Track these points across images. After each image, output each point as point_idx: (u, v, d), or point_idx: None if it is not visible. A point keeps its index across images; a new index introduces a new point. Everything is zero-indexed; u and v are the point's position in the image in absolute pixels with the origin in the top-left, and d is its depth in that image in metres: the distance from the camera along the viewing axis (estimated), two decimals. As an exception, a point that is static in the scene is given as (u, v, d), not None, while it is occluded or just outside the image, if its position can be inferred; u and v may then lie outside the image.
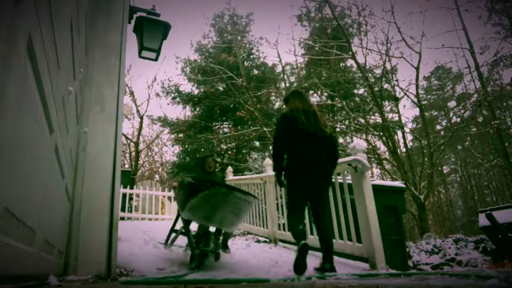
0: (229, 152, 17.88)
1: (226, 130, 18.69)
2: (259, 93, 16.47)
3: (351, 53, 14.09)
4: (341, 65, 18.19)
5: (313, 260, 3.67)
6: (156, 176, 23.00)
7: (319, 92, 19.31)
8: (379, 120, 14.51)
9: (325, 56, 15.84)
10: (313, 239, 3.96)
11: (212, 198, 2.92)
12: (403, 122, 16.49)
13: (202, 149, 17.70)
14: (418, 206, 12.41)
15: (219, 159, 17.07)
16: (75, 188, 2.42)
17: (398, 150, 14.75)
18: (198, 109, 19.12)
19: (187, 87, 21.04)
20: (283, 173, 3.00)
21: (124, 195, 8.38)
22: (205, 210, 2.99)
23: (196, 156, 3.57)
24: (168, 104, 23.06)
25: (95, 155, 2.52)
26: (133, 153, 18.95)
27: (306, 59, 19.00)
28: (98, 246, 2.35)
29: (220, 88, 18.40)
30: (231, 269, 3.04)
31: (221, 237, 3.55)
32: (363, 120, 15.12)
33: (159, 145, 21.97)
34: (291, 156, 2.94)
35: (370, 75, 14.74)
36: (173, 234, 3.74)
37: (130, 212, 8.87)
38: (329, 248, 2.90)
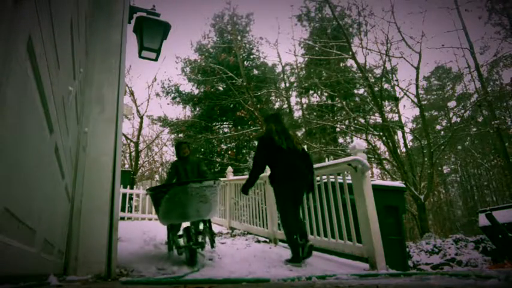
0: (229, 152, 17.87)
1: (226, 130, 18.68)
2: (259, 93, 16.47)
3: (351, 53, 14.09)
4: (341, 65, 18.18)
5: (312, 259, 3.67)
6: (156, 176, 22.98)
7: (319, 92, 19.31)
8: (379, 120, 14.51)
9: (325, 56, 15.83)
10: (312, 239, 3.96)
11: (175, 197, 3.10)
12: (403, 122, 16.51)
13: (202, 149, 17.70)
14: (418, 206, 12.41)
15: (219, 159, 17.07)
16: (75, 188, 2.42)
17: (398, 150, 14.75)
18: (198, 109, 19.12)
19: (187, 87, 21.05)
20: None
21: (124, 195, 8.38)
22: (176, 210, 3.17)
23: (175, 144, 3.79)
24: (168, 104, 23.10)
25: (95, 155, 2.52)
26: (133, 153, 18.92)
27: (306, 59, 18.99)
28: (98, 246, 2.35)
29: (220, 88, 18.40)
30: (231, 269, 3.04)
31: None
32: (363, 120, 15.12)
33: (159, 145, 21.98)
34: (272, 168, 3.59)
35: (370, 75, 14.73)
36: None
37: (131, 212, 8.87)
38: (305, 234, 3.48)
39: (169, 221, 3.41)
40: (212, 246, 3.75)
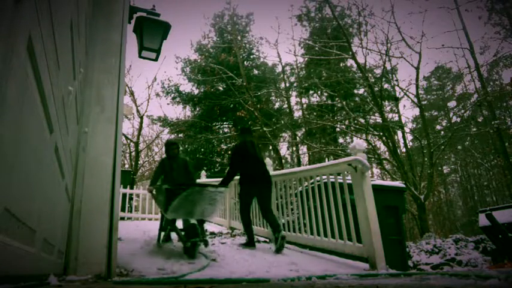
0: (229, 152, 17.85)
1: (226, 130, 18.68)
2: (259, 93, 16.47)
3: (351, 53, 14.07)
4: (341, 65, 18.17)
5: (312, 259, 3.67)
6: (156, 176, 22.92)
7: (319, 92, 19.31)
8: (379, 120, 14.50)
9: (325, 56, 15.82)
10: (312, 239, 3.96)
11: (190, 196, 3.43)
12: (403, 122, 16.51)
13: (202, 149, 17.69)
14: (418, 206, 12.40)
15: (219, 159, 17.06)
16: (75, 188, 2.42)
17: (398, 150, 14.74)
18: (198, 109, 19.12)
19: (187, 87, 21.06)
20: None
21: (124, 195, 8.38)
22: (186, 207, 3.50)
23: (165, 143, 4.08)
24: (168, 104, 23.09)
25: (95, 155, 2.52)
26: (133, 153, 18.93)
27: (306, 59, 18.98)
28: (98, 246, 2.35)
29: (220, 88, 18.39)
30: (231, 269, 3.04)
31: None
32: (363, 120, 15.11)
33: (159, 145, 21.96)
34: (243, 171, 4.29)
35: (370, 75, 14.71)
36: (162, 232, 4.23)
37: (131, 212, 8.86)
38: (278, 226, 4.04)
39: (176, 216, 3.70)
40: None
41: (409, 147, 17.07)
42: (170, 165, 4.41)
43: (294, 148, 19.65)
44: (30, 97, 1.07)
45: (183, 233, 3.73)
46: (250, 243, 4.25)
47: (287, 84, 19.96)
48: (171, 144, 4.56)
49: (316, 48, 17.08)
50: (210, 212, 3.65)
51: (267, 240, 4.90)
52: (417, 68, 13.52)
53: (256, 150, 4.38)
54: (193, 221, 3.81)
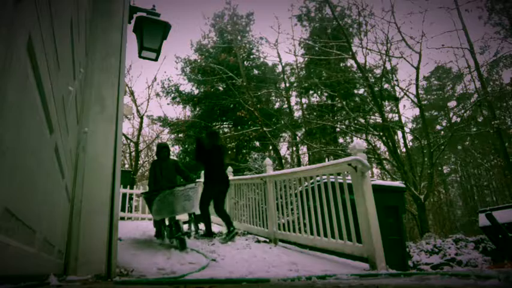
0: (229, 152, 17.86)
1: (226, 130, 18.68)
2: (259, 93, 16.47)
3: (351, 53, 14.07)
4: (341, 65, 18.17)
5: (312, 259, 3.67)
6: (156, 176, 22.88)
7: (319, 92, 19.31)
8: (379, 120, 14.50)
9: (325, 56, 15.82)
10: (312, 239, 3.96)
11: (165, 198, 3.84)
12: (403, 122, 16.51)
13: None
14: (418, 206, 12.40)
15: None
16: (75, 188, 2.42)
17: (398, 150, 14.74)
18: (198, 109, 19.12)
19: (187, 87, 21.02)
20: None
21: (124, 195, 8.39)
22: (166, 208, 3.91)
23: (157, 146, 4.69)
24: (168, 104, 23.06)
25: (95, 155, 2.52)
26: (133, 153, 18.93)
27: (306, 59, 18.98)
28: (98, 246, 2.35)
29: (220, 88, 18.40)
30: (231, 269, 3.04)
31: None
32: (363, 120, 15.12)
33: (159, 145, 21.93)
34: (207, 171, 4.95)
35: (370, 75, 14.71)
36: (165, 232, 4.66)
37: (131, 212, 8.87)
38: (230, 221, 4.86)
39: (161, 216, 4.14)
40: (197, 233, 4.93)
41: (409, 147, 17.07)
42: (160, 166, 4.73)
43: (294, 148, 19.66)
44: (30, 97, 1.07)
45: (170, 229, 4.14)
46: (208, 234, 4.86)
47: (287, 84, 19.96)
48: (163, 148, 4.96)
49: (316, 48, 17.08)
50: (190, 206, 4.07)
51: (267, 240, 4.90)
52: (417, 68, 13.52)
53: (216, 152, 5.00)
54: (178, 217, 4.22)
